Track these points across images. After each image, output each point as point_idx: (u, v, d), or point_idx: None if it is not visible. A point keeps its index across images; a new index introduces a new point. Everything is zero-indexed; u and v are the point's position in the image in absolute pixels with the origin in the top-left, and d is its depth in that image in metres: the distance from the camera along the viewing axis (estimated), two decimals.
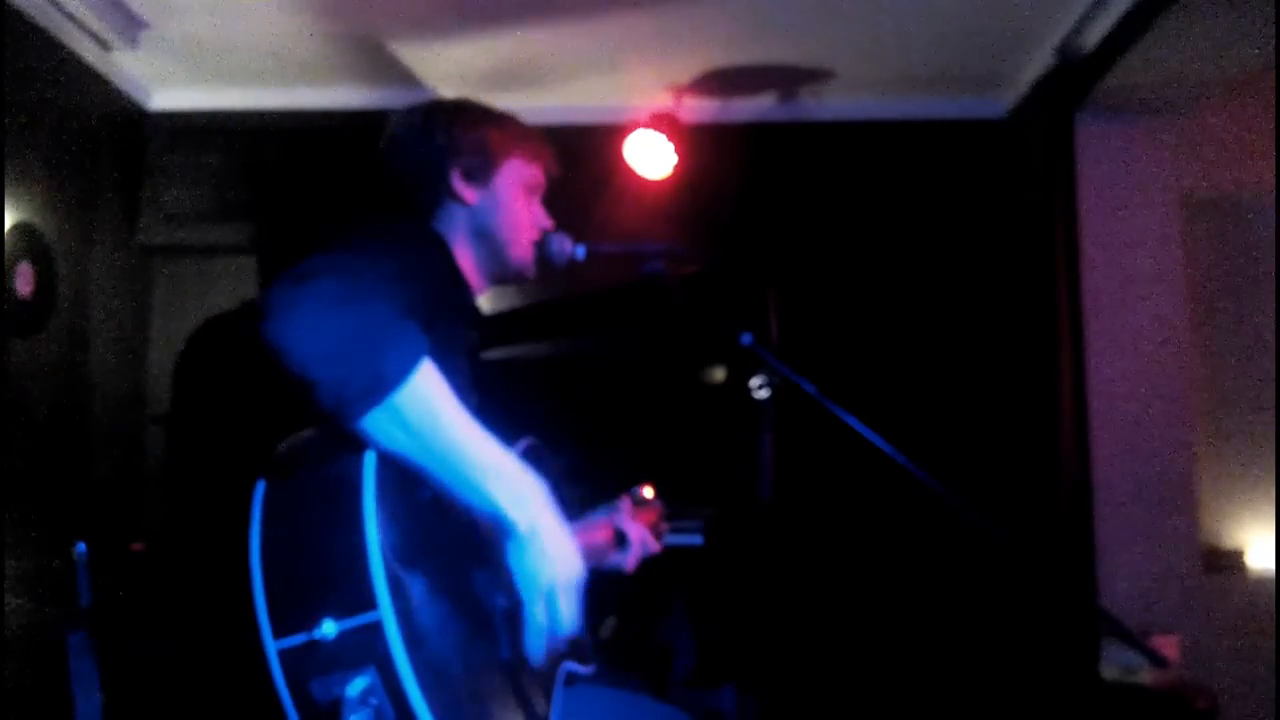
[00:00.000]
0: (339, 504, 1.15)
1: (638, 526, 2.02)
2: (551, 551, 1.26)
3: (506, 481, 1.25)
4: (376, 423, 1.18)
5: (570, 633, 1.30)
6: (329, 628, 1.10)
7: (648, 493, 2.13)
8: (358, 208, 1.65)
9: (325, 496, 1.17)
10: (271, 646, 1.11)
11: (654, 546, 2.06)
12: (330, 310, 1.18)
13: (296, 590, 1.13)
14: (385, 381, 1.17)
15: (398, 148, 1.71)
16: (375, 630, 1.10)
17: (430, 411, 1.21)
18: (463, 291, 1.66)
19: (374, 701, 1.10)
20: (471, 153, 1.67)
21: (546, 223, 1.76)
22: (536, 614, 1.27)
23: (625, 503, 2.06)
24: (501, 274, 1.73)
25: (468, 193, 1.66)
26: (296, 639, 1.11)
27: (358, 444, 1.19)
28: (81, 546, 1.56)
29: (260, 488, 1.18)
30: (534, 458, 1.39)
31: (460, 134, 1.68)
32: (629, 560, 2.00)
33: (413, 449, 1.20)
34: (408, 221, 1.65)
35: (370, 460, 1.18)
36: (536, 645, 1.28)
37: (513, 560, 1.26)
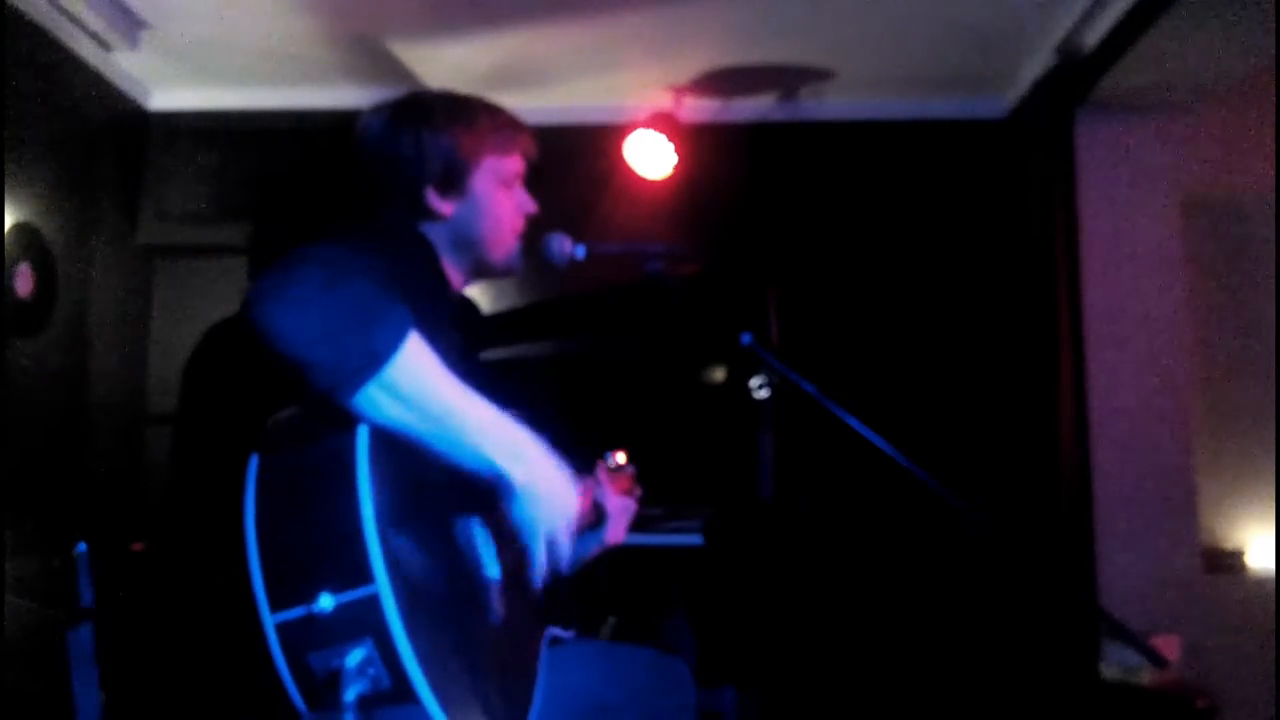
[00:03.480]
0: (333, 478, 1.17)
1: (616, 497, 2.03)
2: (548, 498, 1.33)
3: (500, 439, 1.29)
4: (370, 398, 1.20)
5: (567, 560, 1.40)
6: (326, 601, 1.11)
7: (620, 458, 2.14)
8: (350, 209, 1.60)
9: (319, 471, 1.19)
10: (269, 620, 1.12)
11: (634, 507, 2.09)
12: (316, 292, 1.20)
13: (292, 564, 1.14)
14: (377, 357, 1.20)
15: (366, 163, 1.64)
16: (372, 603, 1.12)
17: (421, 382, 1.23)
18: (445, 293, 1.65)
19: (371, 672, 1.12)
20: (443, 164, 1.60)
21: (531, 207, 1.72)
22: (539, 554, 1.35)
23: (601, 473, 2.07)
24: (486, 273, 1.72)
25: (445, 206, 1.62)
26: (294, 612, 1.12)
27: (349, 417, 1.21)
28: (82, 546, 1.56)
29: (253, 463, 1.19)
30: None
31: (428, 145, 1.60)
32: (611, 532, 2.01)
33: (407, 420, 1.23)
34: (392, 221, 1.63)
35: (363, 434, 1.20)
36: (539, 577, 1.40)
37: (514, 511, 1.33)
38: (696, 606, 3.29)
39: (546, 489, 1.33)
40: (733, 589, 3.18)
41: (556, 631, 1.68)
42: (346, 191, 1.68)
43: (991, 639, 3.50)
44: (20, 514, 3.00)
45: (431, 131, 1.62)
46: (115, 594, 1.55)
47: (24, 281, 3.13)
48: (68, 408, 3.38)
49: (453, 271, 1.66)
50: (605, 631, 2.95)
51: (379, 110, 1.66)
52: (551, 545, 1.36)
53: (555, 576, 1.39)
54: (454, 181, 1.62)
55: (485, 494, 1.33)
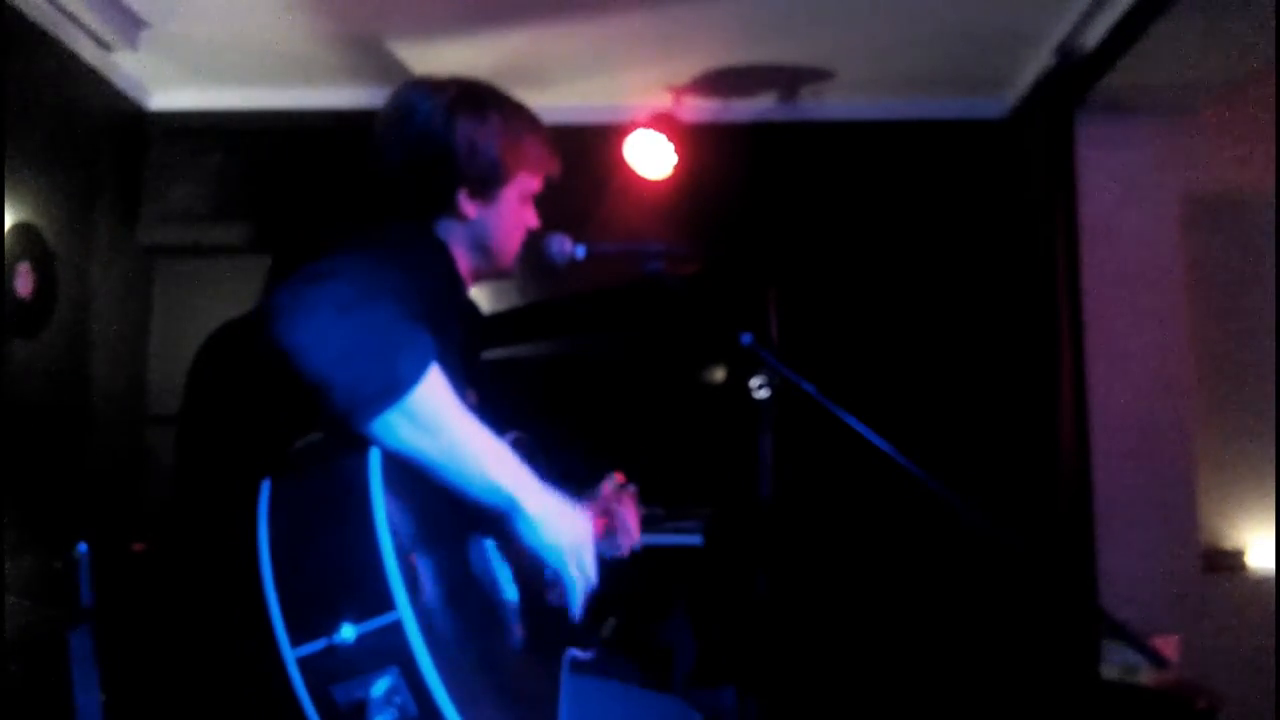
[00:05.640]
0: (347, 505, 1.15)
1: (624, 507, 2.02)
2: (563, 522, 1.36)
3: (512, 471, 1.31)
4: (388, 424, 1.20)
5: (594, 584, 1.43)
6: (348, 632, 1.09)
7: (619, 480, 2.12)
8: (359, 208, 1.59)
9: (332, 497, 1.17)
10: (290, 655, 1.10)
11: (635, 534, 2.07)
12: (342, 313, 1.18)
13: (310, 596, 1.12)
14: (399, 384, 1.19)
15: (405, 144, 1.59)
16: (395, 630, 1.10)
17: (439, 412, 1.24)
18: (459, 291, 1.65)
19: (398, 700, 1.10)
20: (484, 169, 1.59)
21: (534, 223, 1.72)
22: (572, 574, 1.38)
23: (606, 487, 2.06)
24: (487, 275, 1.72)
25: (471, 209, 1.61)
26: (315, 645, 1.10)
27: (361, 442, 1.20)
28: (82, 546, 1.56)
29: (265, 489, 1.17)
30: (521, 451, 1.41)
31: (479, 144, 1.58)
32: (625, 542, 2.00)
33: (422, 448, 1.23)
34: (412, 225, 1.61)
35: (375, 457, 1.18)
36: (576, 599, 1.42)
37: (531, 540, 1.34)
38: (696, 606, 3.29)
39: (559, 514, 1.36)
40: (733, 589, 3.18)
41: (575, 653, 1.66)
42: (359, 172, 1.65)
43: (992, 639, 3.50)
44: (20, 514, 3.00)
45: (485, 132, 1.59)
46: (115, 594, 1.55)
47: (24, 281, 3.13)
48: (68, 408, 3.38)
49: (464, 272, 1.66)
50: (605, 632, 2.95)
51: (433, 92, 1.60)
52: (580, 566, 1.38)
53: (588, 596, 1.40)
54: (488, 188, 1.61)
55: (494, 521, 1.33)
